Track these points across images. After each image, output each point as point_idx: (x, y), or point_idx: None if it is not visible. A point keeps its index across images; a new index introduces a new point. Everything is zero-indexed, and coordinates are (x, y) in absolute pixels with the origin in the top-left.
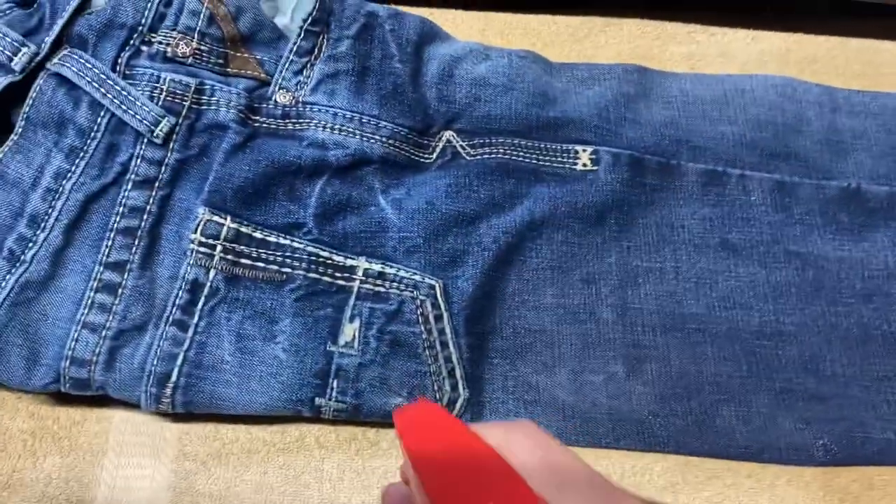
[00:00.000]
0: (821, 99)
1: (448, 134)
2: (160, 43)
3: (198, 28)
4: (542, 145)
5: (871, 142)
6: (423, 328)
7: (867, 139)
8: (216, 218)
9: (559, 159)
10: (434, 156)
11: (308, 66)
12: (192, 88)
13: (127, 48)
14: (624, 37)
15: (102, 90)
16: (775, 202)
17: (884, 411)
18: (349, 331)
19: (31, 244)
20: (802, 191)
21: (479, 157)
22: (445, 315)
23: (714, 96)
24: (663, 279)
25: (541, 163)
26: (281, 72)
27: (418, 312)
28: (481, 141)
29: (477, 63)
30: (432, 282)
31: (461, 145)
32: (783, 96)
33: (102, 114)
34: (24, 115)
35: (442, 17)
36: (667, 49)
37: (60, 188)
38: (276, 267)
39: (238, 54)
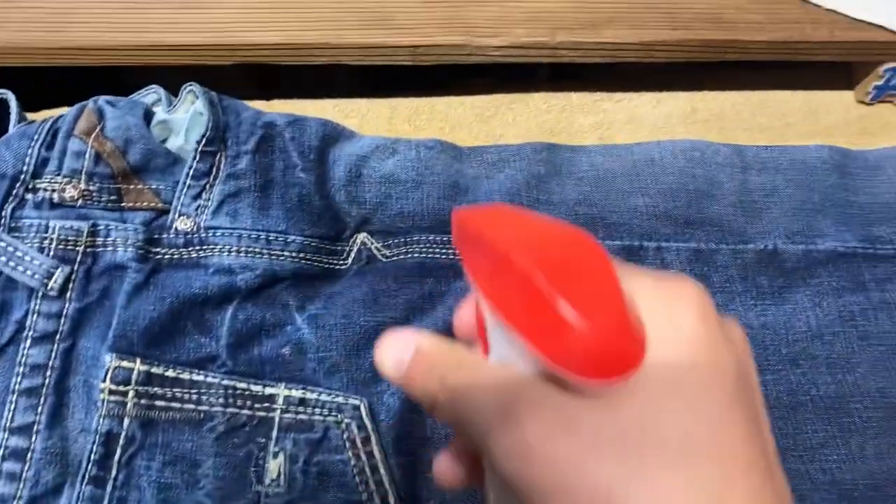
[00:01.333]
0: (730, 159)
1: (361, 237)
2: (45, 189)
3: (84, 169)
4: None
5: (783, 199)
6: (350, 454)
7: (779, 196)
8: (125, 363)
9: None
10: (349, 261)
11: (207, 188)
12: (85, 232)
13: (10, 199)
14: (531, 112)
15: None
16: (694, 272)
17: (820, 480)
18: (274, 467)
19: None
20: (720, 257)
21: (395, 257)
22: (373, 436)
23: (625, 168)
24: None
25: (458, 257)
26: (179, 198)
27: (344, 437)
28: (396, 241)
29: (384, 159)
30: (356, 401)
31: (376, 247)
32: (692, 161)
33: None
34: None
35: (348, 108)
36: (575, 121)
37: None
38: (192, 406)
39: (132, 187)
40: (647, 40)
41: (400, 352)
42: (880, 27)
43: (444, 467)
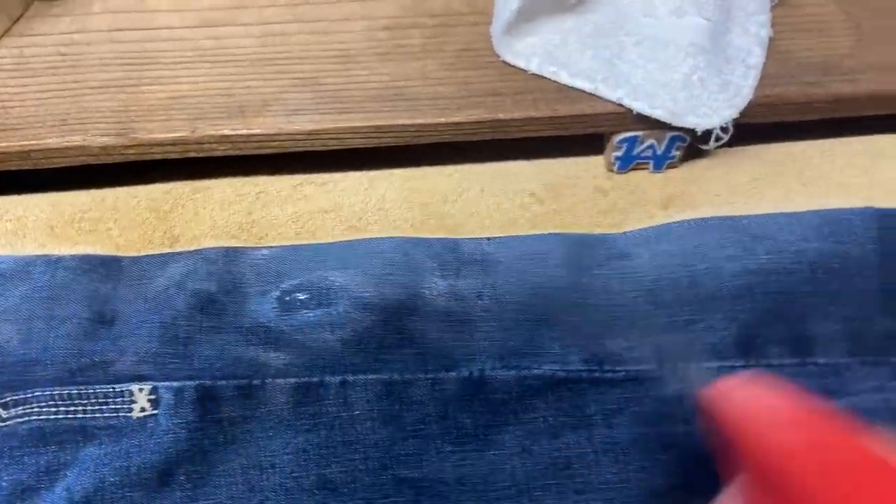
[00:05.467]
0: (441, 257)
1: None
2: None
3: None
4: (91, 390)
5: (502, 306)
6: None
7: (497, 302)
8: None
9: (111, 406)
10: None
11: None
12: None
13: None
14: (216, 204)
15: None
16: (383, 413)
17: None
18: None
19: None
20: (416, 391)
21: (9, 422)
22: None
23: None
24: None
25: (88, 416)
26: None
27: None
28: (14, 398)
29: (12, 288)
30: None
31: None
32: (393, 265)
33: None
34: None
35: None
36: (269, 211)
37: None
38: None
39: None
40: (310, 129)
41: None
42: (593, 95)
43: None
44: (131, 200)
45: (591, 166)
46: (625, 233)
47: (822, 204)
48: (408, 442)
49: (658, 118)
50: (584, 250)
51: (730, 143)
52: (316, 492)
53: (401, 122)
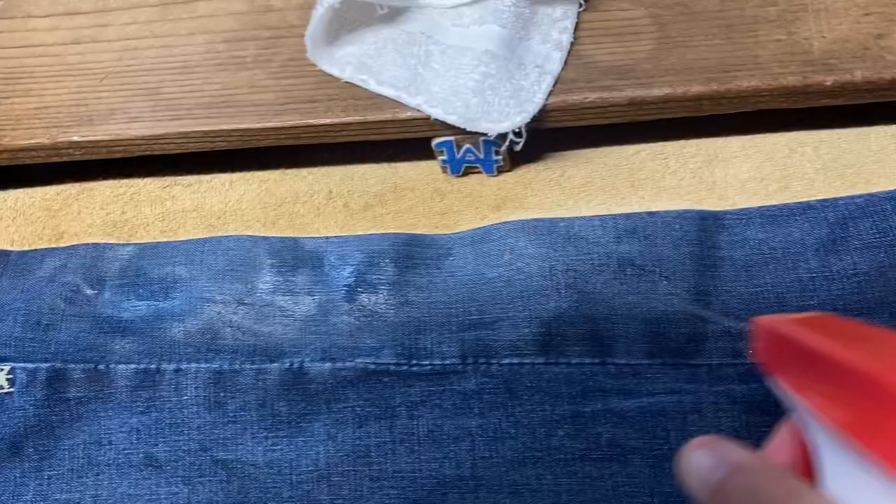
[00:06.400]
0: (281, 255)
1: None
2: None
3: None
4: None
5: (328, 300)
6: None
7: (321, 296)
8: None
9: None
10: None
11: None
12: None
13: None
14: (97, 204)
15: None
16: (209, 399)
17: None
18: None
19: None
20: (242, 380)
21: None
22: None
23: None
24: None
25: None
26: None
27: None
28: None
29: None
30: None
31: None
32: (234, 261)
33: None
34: None
35: None
36: (140, 211)
37: None
38: None
39: None
40: (146, 135)
41: (712, 467)
42: (399, 102)
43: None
44: (28, 200)
45: (433, 170)
46: (453, 234)
47: (651, 206)
48: (227, 427)
49: (453, 123)
50: (414, 250)
51: (566, 147)
52: (143, 468)
53: (225, 127)
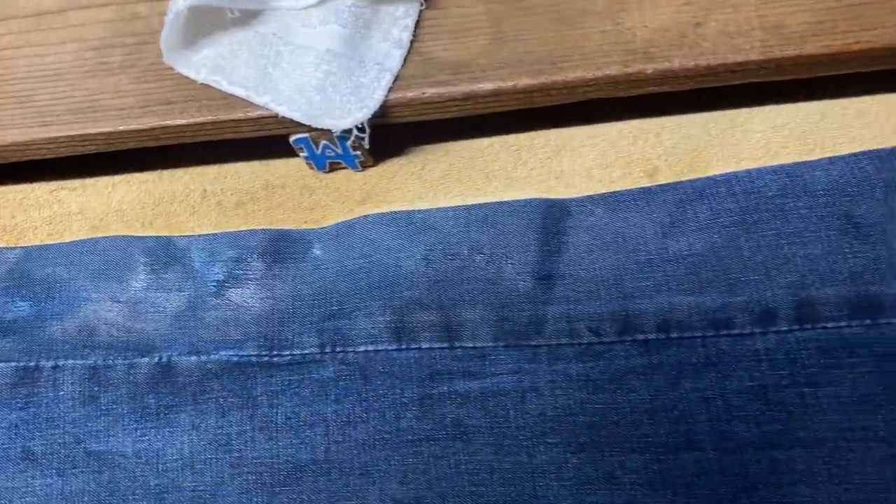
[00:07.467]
0: (154, 254)
1: None
2: None
3: None
4: None
5: (197, 296)
6: None
7: (191, 292)
8: None
9: None
10: None
11: None
12: None
13: None
14: None
15: None
16: (84, 394)
17: None
18: None
19: None
20: (115, 374)
21: None
22: None
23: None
24: None
25: None
26: None
27: None
28: None
29: None
30: None
31: None
32: (109, 261)
33: None
34: None
35: None
36: (29, 215)
37: None
38: None
39: None
40: (16, 141)
41: None
42: (249, 102)
43: None
44: None
45: (303, 167)
46: (319, 229)
47: (503, 196)
48: (100, 420)
49: (297, 120)
50: (281, 245)
51: (426, 141)
52: (19, 462)
53: (91, 131)
